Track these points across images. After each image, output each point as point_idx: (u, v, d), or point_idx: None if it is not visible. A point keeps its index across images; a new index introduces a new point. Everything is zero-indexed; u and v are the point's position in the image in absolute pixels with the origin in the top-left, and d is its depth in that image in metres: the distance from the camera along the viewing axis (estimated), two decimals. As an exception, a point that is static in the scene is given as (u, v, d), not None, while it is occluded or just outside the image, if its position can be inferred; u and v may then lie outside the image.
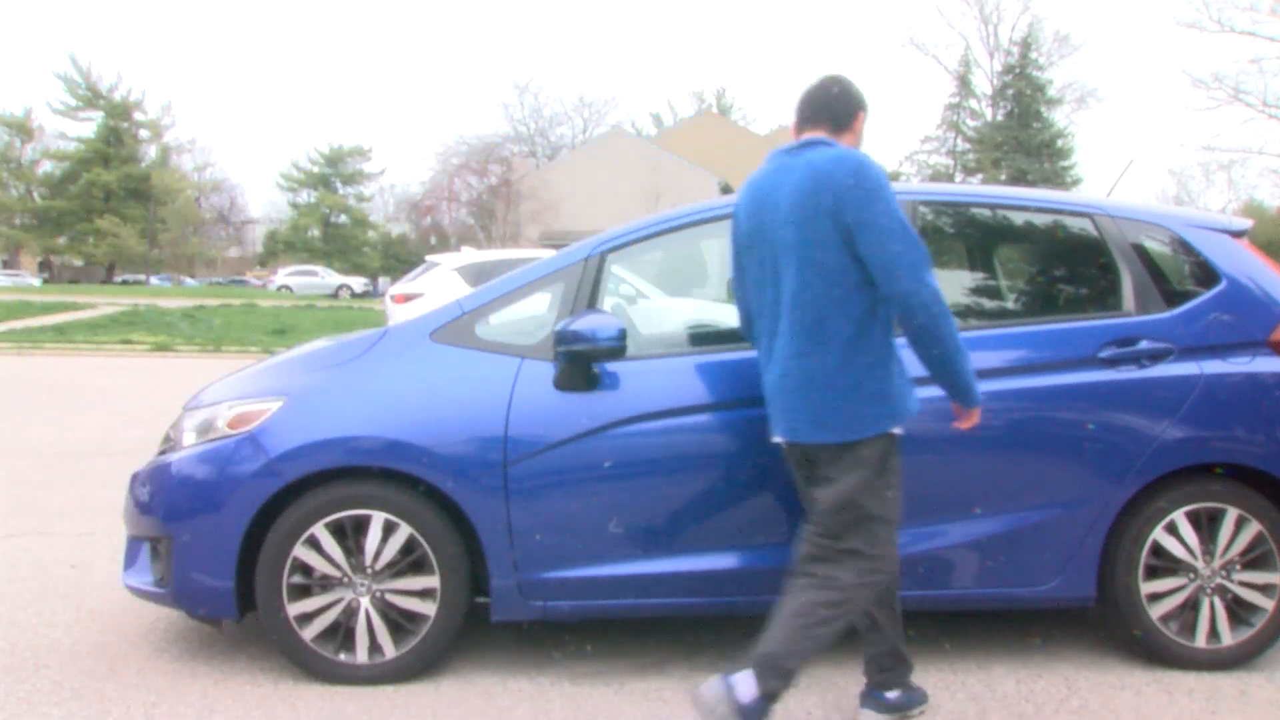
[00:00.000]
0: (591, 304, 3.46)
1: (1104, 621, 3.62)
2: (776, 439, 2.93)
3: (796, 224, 2.74)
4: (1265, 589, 3.46)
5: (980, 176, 52.90)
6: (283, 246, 60.44)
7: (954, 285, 3.72)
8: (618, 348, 3.24)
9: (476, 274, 11.75)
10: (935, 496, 3.37)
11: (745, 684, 2.64)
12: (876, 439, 2.77)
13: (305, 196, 62.02)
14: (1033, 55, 54.65)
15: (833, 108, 2.90)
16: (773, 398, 2.88)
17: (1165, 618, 3.46)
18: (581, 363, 3.29)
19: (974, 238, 3.96)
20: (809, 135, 2.89)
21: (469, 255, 13.64)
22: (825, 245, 2.71)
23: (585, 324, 3.24)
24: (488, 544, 3.30)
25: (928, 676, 3.41)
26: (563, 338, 3.26)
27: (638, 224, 3.66)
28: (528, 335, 3.49)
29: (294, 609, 3.29)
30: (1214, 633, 3.45)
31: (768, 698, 2.65)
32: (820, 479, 2.84)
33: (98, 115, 59.09)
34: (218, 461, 3.33)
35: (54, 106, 59.66)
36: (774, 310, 2.85)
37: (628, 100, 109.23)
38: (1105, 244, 3.60)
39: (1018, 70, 54.60)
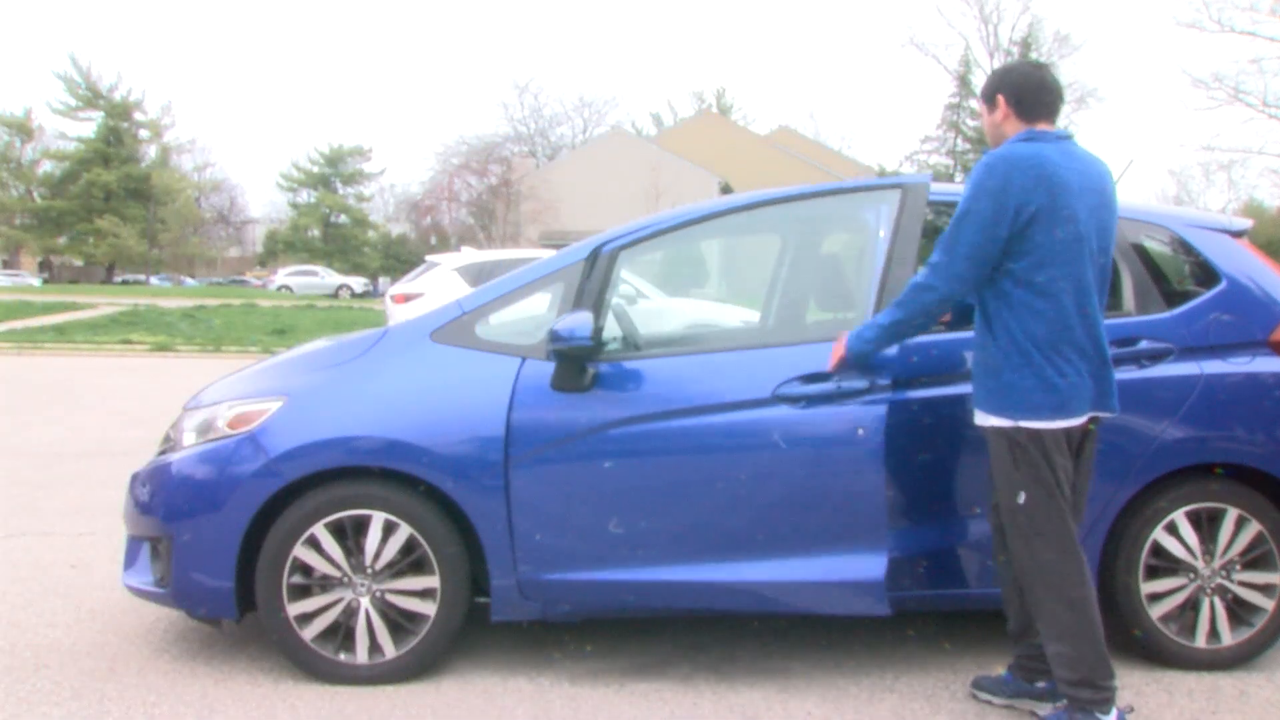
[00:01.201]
0: (593, 304, 3.45)
1: (1104, 621, 3.61)
2: (1103, 414, 2.98)
3: (1114, 209, 3.00)
4: (1265, 589, 3.46)
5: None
6: (283, 246, 60.39)
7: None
8: (588, 347, 3.23)
9: (476, 274, 11.74)
10: (936, 496, 3.37)
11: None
12: None
13: (305, 196, 61.94)
14: (1033, 55, 54.61)
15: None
16: (1103, 370, 2.96)
17: (1165, 618, 3.46)
18: (567, 361, 3.29)
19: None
20: (1046, 127, 2.98)
21: (469, 255, 13.62)
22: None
23: (563, 324, 3.24)
24: (488, 544, 3.30)
25: (927, 676, 3.42)
26: (549, 337, 3.27)
27: (638, 224, 3.65)
28: (528, 335, 3.48)
29: (294, 609, 3.29)
30: (1214, 633, 3.46)
31: None
32: (1087, 456, 3.02)
33: (98, 115, 58.94)
34: (218, 461, 3.33)
35: (54, 106, 59.56)
36: (1087, 291, 2.91)
37: (628, 100, 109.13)
38: (1105, 244, 3.59)
39: (1018, 70, 54.54)
